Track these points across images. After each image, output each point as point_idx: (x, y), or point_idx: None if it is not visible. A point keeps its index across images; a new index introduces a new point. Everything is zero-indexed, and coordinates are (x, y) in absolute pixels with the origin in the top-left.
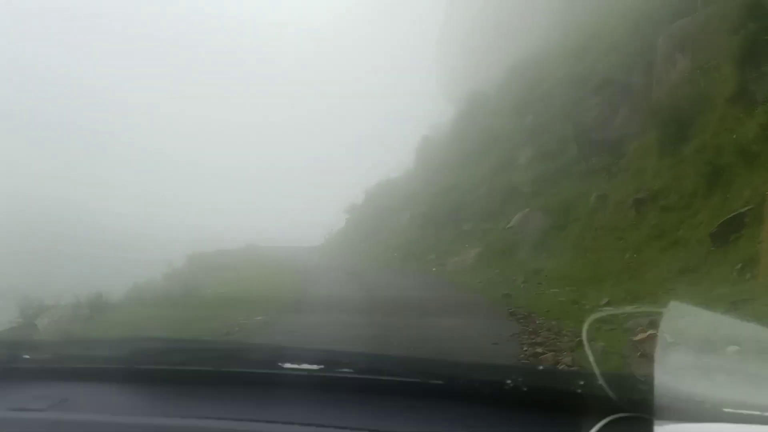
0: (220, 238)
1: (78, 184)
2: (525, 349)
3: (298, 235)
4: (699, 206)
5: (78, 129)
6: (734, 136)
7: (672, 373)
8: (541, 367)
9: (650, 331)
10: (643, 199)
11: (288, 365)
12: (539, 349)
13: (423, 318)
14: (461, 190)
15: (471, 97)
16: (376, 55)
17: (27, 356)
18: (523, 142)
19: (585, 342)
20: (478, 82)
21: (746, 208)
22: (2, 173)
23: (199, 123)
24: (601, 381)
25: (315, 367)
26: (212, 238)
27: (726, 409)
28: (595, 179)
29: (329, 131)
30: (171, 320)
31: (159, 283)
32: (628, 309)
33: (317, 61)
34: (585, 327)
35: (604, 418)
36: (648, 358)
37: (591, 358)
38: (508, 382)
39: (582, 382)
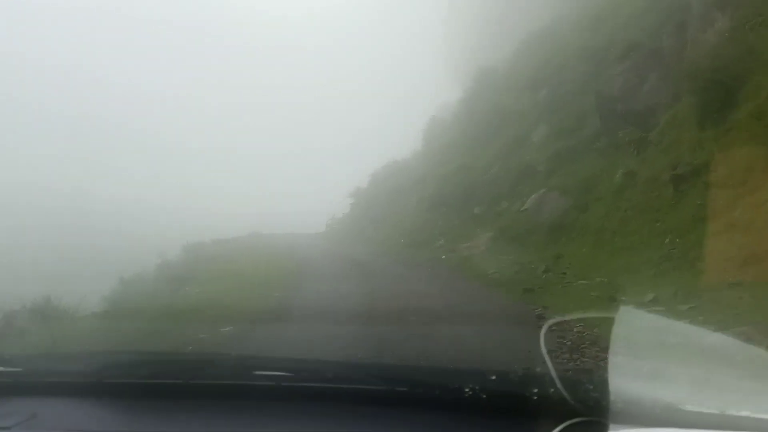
0: (226, 225)
1: (90, 174)
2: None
3: (303, 221)
4: (758, 182)
5: (88, 119)
6: None
7: (625, 377)
8: (502, 372)
9: None
10: (683, 176)
11: (257, 374)
12: None
13: (430, 326)
14: (471, 171)
15: (480, 74)
16: (382, 36)
17: None
18: (537, 119)
19: (542, 345)
20: (487, 59)
21: None
22: (16, 165)
23: (206, 110)
24: (559, 385)
25: (283, 374)
26: (218, 225)
27: (677, 412)
28: (620, 155)
29: (334, 115)
30: (118, 333)
31: (150, 275)
32: (682, 308)
33: (322, 45)
34: (542, 334)
35: (562, 422)
36: None
37: (549, 365)
38: (467, 390)
39: (541, 387)
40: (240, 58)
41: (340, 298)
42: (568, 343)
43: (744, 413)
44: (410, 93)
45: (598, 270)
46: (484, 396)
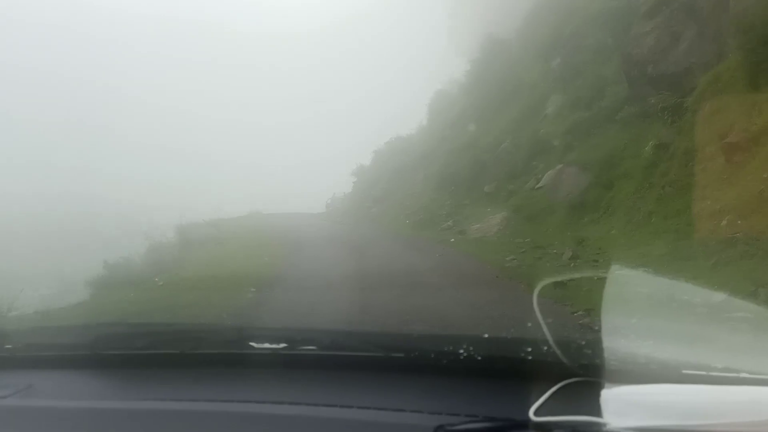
0: (230, 202)
1: (95, 178)
2: None
3: (306, 199)
4: None
5: (94, 126)
6: None
7: (619, 336)
8: (493, 336)
9: None
10: (738, 144)
11: (254, 344)
12: None
13: None
14: (481, 147)
15: (488, 45)
16: (384, 7)
17: None
18: (551, 90)
19: (535, 306)
20: (495, 29)
21: None
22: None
23: (211, 82)
24: (553, 347)
25: (280, 345)
26: (222, 201)
27: (673, 370)
28: (650, 125)
29: (334, 90)
30: None
31: (137, 259)
32: None
33: (321, 16)
34: (535, 292)
35: (557, 383)
36: None
37: (544, 327)
38: (461, 352)
39: (534, 349)
40: (244, 27)
41: (327, 302)
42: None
43: (742, 371)
44: (413, 66)
45: (638, 258)
46: (479, 358)
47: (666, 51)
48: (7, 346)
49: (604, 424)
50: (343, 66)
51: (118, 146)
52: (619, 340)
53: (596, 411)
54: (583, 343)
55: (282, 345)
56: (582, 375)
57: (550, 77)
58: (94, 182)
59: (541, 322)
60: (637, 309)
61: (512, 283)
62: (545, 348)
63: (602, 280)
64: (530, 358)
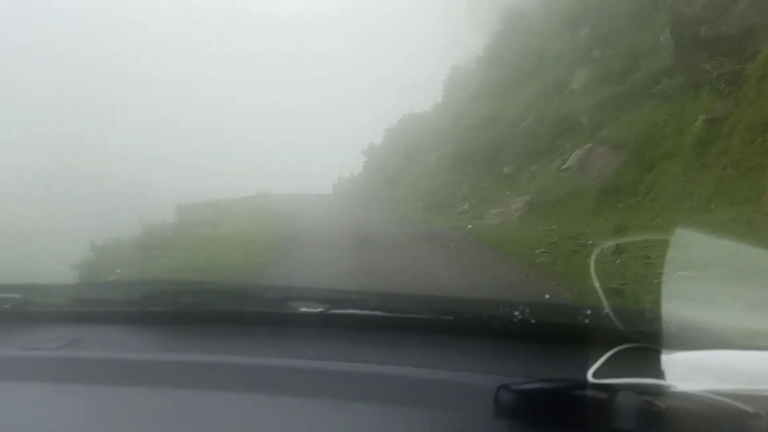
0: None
1: (106, 155)
2: None
3: (316, 180)
4: None
5: (106, 104)
6: None
7: (679, 302)
8: (548, 301)
9: None
10: None
11: (298, 305)
12: None
13: None
14: (500, 124)
15: (508, 17)
16: None
17: (39, 299)
18: (577, 62)
19: (593, 275)
20: (515, 2)
21: None
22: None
23: (221, 60)
24: (608, 312)
25: (326, 306)
26: (228, 184)
27: (735, 335)
28: (696, 97)
29: (347, 70)
30: None
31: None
32: None
33: None
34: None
35: (611, 349)
36: None
37: (599, 290)
38: (516, 314)
39: (590, 315)
40: (258, 7)
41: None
42: None
43: None
44: (429, 43)
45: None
46: (533, 322)
47: (724, 9)
48: (55, 300)
49: (669, 387)
50: (357, 45)
51: (130, 125)
52: (679, 305)
53: (656, 375)
54: (642, 309)
55: (328, 306)
56: (638, 341)
57: (577, 49)
58: (105, 159)
59: (597, 286)
60: (700, 274)
61: (548, 285)
62: (601, 314)
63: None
64: (584, 323)
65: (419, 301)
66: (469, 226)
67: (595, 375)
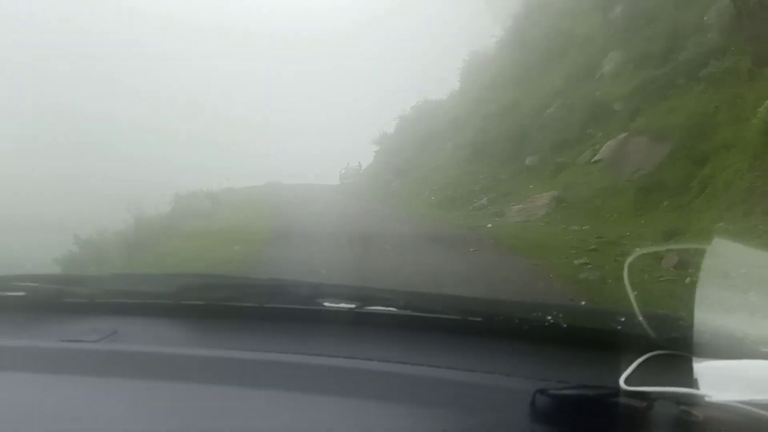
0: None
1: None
2: None
3: (325, 171)
4: None
5: (125, 84)
6: None
7: (712, 310)
8: (581, 306)
9: None
10: None
11: (329, 302)
12: None
13: None
14: (522, 111)
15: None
16: None
17: (76, 290)
18: (609, 44)
19: (626, 280)
20: None
21: None
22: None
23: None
24: (640, 319)
25: (355, 304)
26: (233, 174)
27: (766, 348)
28: (755, 81)
29: (365, 58)
30: None
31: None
32: None
33: None
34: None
35: (642, 355)
36: None
37: (631, 297)
38: (549, 318)
39: (622, 320)
40: None
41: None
42: None
43: None
44: (448, 29)
45: None
46: (565, 327)
47: None
48: (92, 291)
49: (703, 396)
50: (373, 32)
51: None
52: (712, 314)
53: (687, 384)
54: (674, 316)
55: (359, 303)
56: (669, 348)
57: (609, 30)
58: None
59: (630, 292)
60: (737, 282)
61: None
62: (633, 321)
63: None
64: (616, 328)
65: (449, 301)
66: (489, 225)
67: (626, 381)
